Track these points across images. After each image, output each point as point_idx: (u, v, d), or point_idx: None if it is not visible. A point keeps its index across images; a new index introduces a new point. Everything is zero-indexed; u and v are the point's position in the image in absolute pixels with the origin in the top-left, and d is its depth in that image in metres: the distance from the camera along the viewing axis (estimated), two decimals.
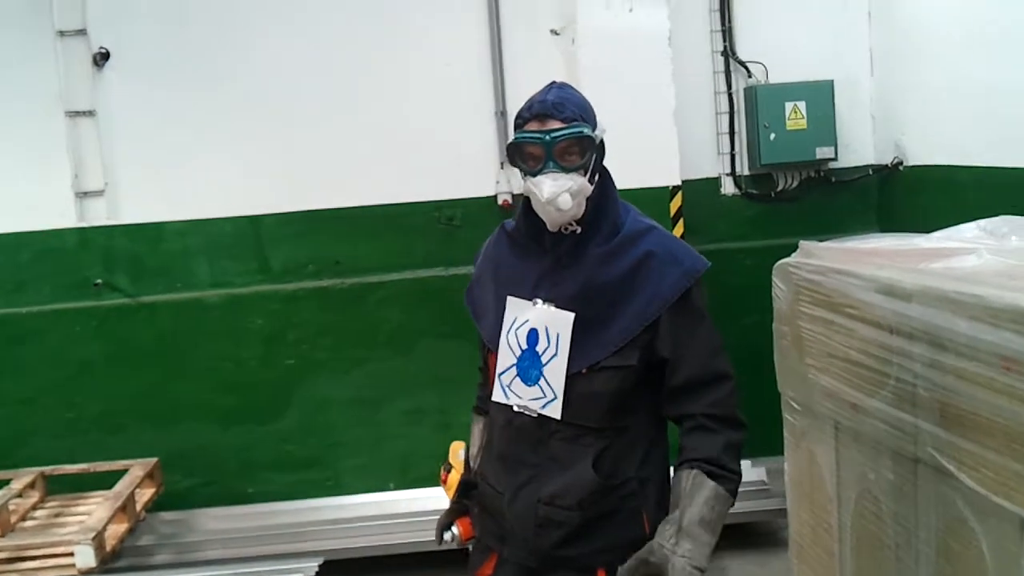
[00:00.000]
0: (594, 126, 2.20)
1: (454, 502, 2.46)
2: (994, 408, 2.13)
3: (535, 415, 2.22)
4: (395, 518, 4.84)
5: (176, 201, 5.23)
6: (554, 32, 5.28)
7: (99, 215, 5.21)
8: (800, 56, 5.48)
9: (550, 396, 2.19)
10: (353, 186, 5.25)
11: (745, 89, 5.49)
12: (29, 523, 4.60)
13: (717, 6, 5.44)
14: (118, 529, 4.39)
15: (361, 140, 5.24)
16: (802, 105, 5.37)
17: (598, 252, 2.20)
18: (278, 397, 5.33)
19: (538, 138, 2.14)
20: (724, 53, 5.47)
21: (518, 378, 2.23)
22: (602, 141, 2.24)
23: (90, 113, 5.16)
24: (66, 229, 5.18)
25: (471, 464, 2.50)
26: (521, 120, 2.22)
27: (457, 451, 2.51)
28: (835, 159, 5.46)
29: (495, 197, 5.20)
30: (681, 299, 2.18)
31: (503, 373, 2.27)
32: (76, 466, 4.98)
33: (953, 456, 2.29)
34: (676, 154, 5.07)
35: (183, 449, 5.24)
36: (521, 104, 2.27)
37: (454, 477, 2.44)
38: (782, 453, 3.39)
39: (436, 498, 4.21)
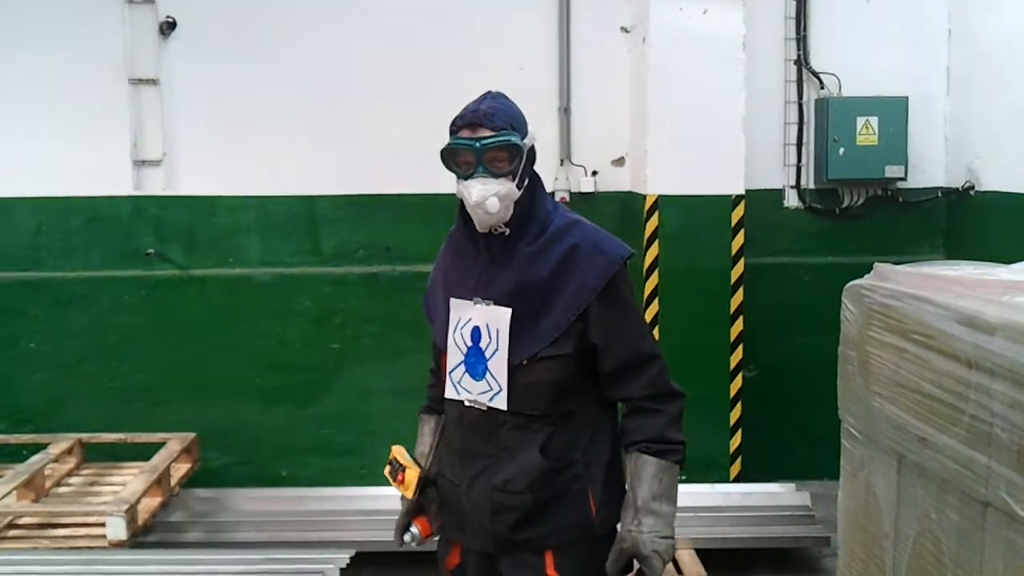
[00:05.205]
0: (523, 135, 2.34)
1: (413, 500, 2.51)
2: None
3: (485, 408, 2.34)
4: None
5: (233, 176, 5.22)
6: (624, 30, 5.18)
7: (155, 185, 5.21)
8: (875, 70, 5.35)
9: (496, 389, 2.31)
10: (409, 173, 5.18)
11: (816, 101, 5.36)
12: (63, 489, 4.61)
13: (793, 13, 5.31)
14: (151, 503, 4.38)
15: (421, 128, 5.12)
16: (874, 121, 5.22)
17: (527, 251, 2.33)
18: (320, 381, 5.31)
19: (468, 144, 2.30)
20: (797, 62, 5.34)
21: (466, 374, 2.36)
22: (532, 148, 2.36)
23: (153, 81, 5.15)
24: (121, 197, 5.19)
25: (422, 463, 2.57)
26: (455, 127, 2.36)
27: (402, 453, 2.53)
28: (904, 179, 5.30)
29: (553, 194, 5.09)
30: (607, 287, 2.29)
31: (453, 371, 2.39)
32: (114, 435, 4.98)
33: None
34: (742, 162, 4.92)
35: (221, 426, 5.23)
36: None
37: (411, 475, 2.47)
38: (826, 477, 3.30)
39: None
